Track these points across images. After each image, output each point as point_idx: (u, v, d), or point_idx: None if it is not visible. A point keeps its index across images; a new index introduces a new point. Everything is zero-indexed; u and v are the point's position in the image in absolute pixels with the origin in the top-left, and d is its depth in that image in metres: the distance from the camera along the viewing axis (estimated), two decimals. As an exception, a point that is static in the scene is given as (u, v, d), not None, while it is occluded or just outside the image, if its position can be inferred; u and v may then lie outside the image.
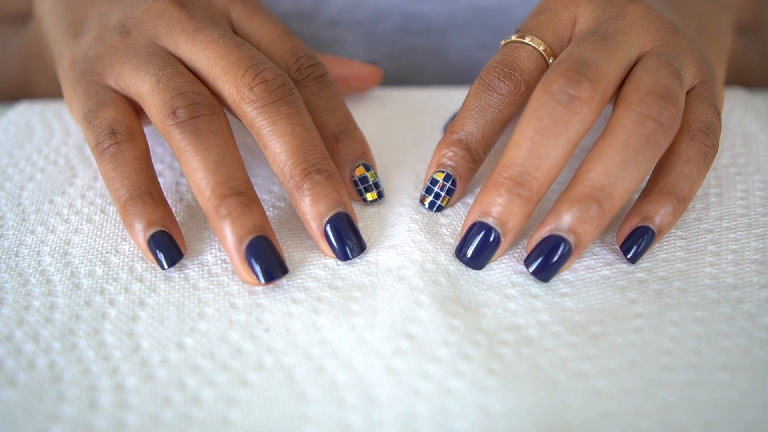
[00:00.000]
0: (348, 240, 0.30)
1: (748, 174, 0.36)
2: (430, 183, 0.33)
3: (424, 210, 0.33)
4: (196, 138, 0.28)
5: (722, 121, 0.32)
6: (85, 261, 0.31)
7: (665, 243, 0.32)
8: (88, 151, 0.38)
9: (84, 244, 0.31)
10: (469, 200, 0.34)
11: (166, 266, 0.30)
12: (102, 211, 0.33)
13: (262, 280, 0.28)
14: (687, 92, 0.31)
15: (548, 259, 0.28)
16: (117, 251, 0.31)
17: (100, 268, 0.30)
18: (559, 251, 0.28)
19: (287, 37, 0.34)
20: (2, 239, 0.32)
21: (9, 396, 0.25)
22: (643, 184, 0.31)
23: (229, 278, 0.30)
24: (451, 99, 0.43)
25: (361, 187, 0.33)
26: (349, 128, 0.33)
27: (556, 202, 0.29)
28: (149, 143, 0.32)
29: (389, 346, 0.26)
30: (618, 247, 0.31)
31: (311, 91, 0.33)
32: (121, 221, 0.32)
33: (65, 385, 0.25)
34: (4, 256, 0.31)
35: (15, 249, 0.31)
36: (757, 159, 0.37)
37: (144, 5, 0.32)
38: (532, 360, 0.26)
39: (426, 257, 0.30)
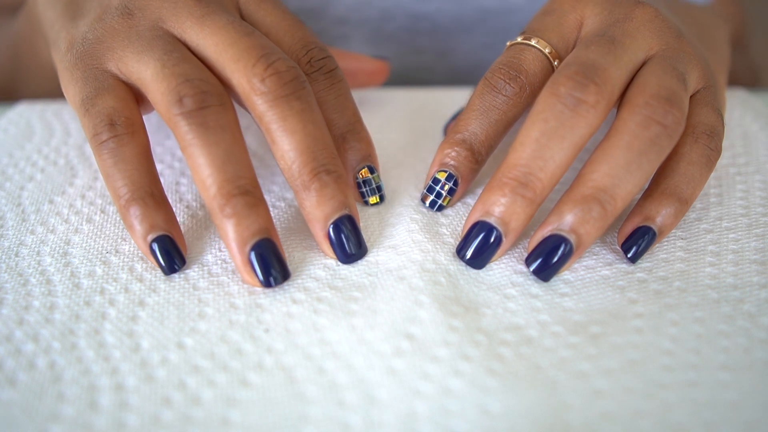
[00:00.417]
0: (350, 243, 0.30)
1: (748, 174, 0.36)
2: (432, 182, 0.33)
3: (424, 210, 0.33)
4: (204, 132, 0.27)
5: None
6: (85, 261, 0.31)
7: (665, 243, 0.32)
8: (88, 150, 0.38)
9: (84, 244, 0.31)
10: (470, 200, 0.34)
11: (168, 273, 0.30)
12: (102, 211, 0.33)
13: (264, 285, 0.28)
14: (691, 96, 0.31)
15: (549, 259, 0.28)
16: (117, 251, 0.31)
17: (100, 268, 0.30)
18: (560, 251, 0.28)
19: (297, 26, 0.33)
20: (2, 239, 0.32)
21: (9, 396, 0.25)
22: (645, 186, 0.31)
23: (229, 278, 0.30)
24: (452, 100, 0.43)
25: (364, 189, 0.33)
26: (357, 128, 0.33)
27: (559, 201, 0.29)
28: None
29: (389, 346, 0.26)
30: (618, 247, 0.31)
31: (321, 85, 0.32)
32: (122, 221, 0.32)
33: (65, 385, 0.25)
34: (4, 256, 0.31)
35: (15, 249, 0.31)
36: (757, 159, 0.37)
37: None
38: (532, 360, 0.26)
39: (426, 257, 0.30)
